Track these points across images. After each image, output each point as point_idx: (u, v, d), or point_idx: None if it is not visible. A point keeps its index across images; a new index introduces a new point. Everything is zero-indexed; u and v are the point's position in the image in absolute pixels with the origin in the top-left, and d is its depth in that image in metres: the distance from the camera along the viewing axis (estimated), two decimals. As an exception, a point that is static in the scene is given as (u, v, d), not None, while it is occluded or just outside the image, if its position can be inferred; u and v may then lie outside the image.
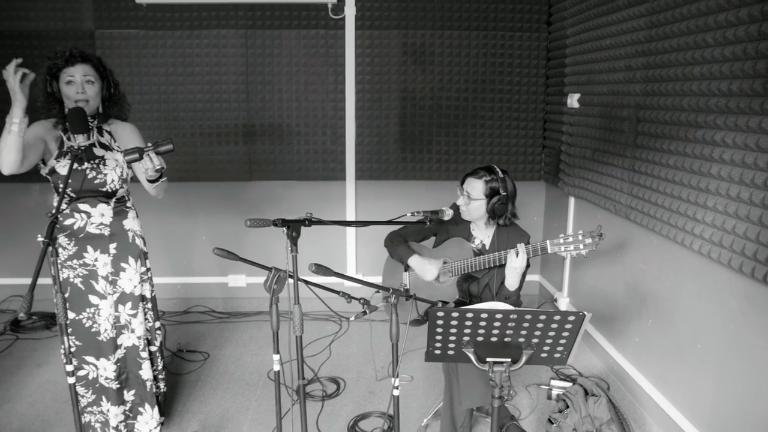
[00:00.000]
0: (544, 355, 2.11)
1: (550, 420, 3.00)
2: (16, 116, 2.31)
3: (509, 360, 2.03)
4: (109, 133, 2.71)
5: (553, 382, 3.34)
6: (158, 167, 2.29)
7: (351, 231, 4.52)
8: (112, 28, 4.25)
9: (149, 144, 2.27)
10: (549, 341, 2.06)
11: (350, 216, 4.49)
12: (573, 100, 3.84)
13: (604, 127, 3.44)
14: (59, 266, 2.56)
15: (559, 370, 3.60)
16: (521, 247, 2.55)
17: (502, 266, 2.65)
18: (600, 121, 3.49)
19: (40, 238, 2.12)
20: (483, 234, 2.83)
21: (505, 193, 2.69)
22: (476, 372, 2.51)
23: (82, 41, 4.23)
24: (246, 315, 4.60)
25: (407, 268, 2.90)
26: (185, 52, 4.28)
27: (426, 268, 2.78)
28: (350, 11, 4.22)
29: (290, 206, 4.44)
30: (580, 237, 2.49)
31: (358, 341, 4.13)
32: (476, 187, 2.69)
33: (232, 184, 4.49)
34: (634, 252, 3.23)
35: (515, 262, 2.56)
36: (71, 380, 2.16)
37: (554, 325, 2.00)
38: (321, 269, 1.99)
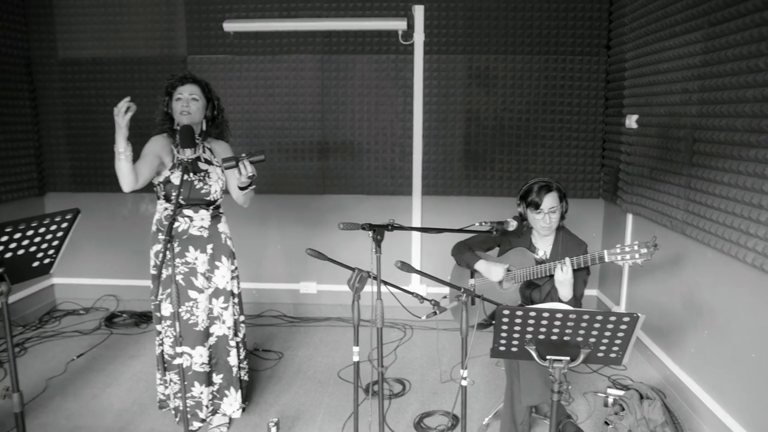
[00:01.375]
0: (600, 354, 2.28)
1: (606, 422, 3.15)
2: (121, 146, 2.72)
3: (568, 358, 2.22)
4: (210, 150, 3.08)
5: (609, 390, 3.48)
6: (250, 174, 2.64)
7: (416, 244, 4.79)
8: (202, 54, 4.69)
9: (243, 154, 2.62)
10: (605, 341, 2.22)
11: (415, 231, 4.75)
12: (631, 121, 4.00)
13: (661, 146, 3.60)
14: (164, 264, 2.91)
15: (615, 380, 3.74)
16: (567, 260, 2.76)
17: None
18: (657, 141, 3.66)
19: (161, 236, 2.46)
20: (545, 243, 3.05)
21: (565, 193, 2.98)
22: (536, 371, 2.72)
23: (176, 66, 4.69)
24: (315, 320, 4.91)
25: (473, 273, 3.14)
26: (267, 75, 4.67)
27: (492, 270, 3.01)
28: (419, 37, 4.52)
29: (359, 218, 4.64)
30: (636, 247, 2.68)
31: (421, 347, 4.36)
32: (555, 202, 2.93)
33: (305, 197, 4.83)
34: (690, 266, 3.37)
35: (560, 276, 2.77)
36: (179, 360, 2.48)
37: (610, 326, 2.16)
38: (406, 266, 2.26)
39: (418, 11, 4.48)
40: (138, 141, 2.83)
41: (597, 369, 3.91)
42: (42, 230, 2.22)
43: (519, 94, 4.57)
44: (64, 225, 2.30)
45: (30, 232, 2.18)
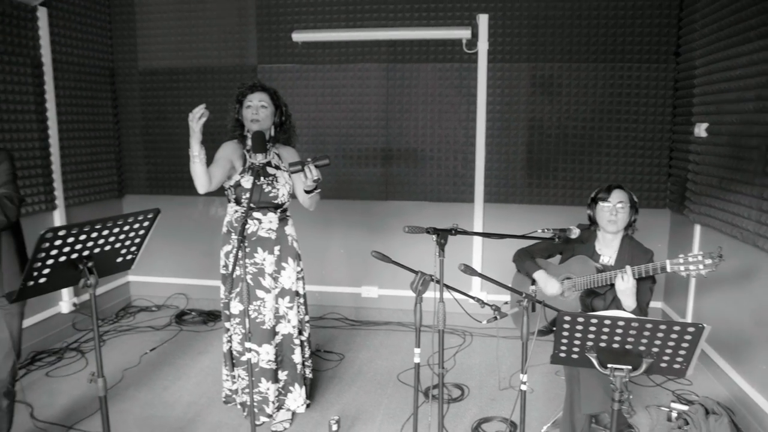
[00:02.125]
0: (663, 365, 2.24)
1: (669, 436, 3.10)
2: (195, 150, 2.87)
3: (630, 367, 2.19)
4: (278, 155, 3.22)
5: (674, 405, 3.41)
6: (315, 178, 2.74)
7: (478, 251, 4.81)
8: (271, 63, 4.87)
9: (309, 159, 2.73)
10: (668, 351, 2.18)
11: (479, 237, 4.78)
12: (701, 129, 3.92)
13: (732, 155, 3.51)
14: (235, 264, 3.06)
15: (680, 394, 3.66)
16: (628, 269, 2.74)
17: None
18: (728, 149, 3.57)
19: (231, 237, 2.59)
20: (609, 249, 3.03)
21: (637, 200, 2.99)
22: (597, 379, 2.70)
23: (247, 74, 4.88)
24: (376, 324, 4.99)
25: (533, 282, 3.15)
26: (333, 84, 4.81)
27: (549, 284, 3.02)
28: (483, 46, 4.56)
29: (422, 224, 4.77)
30: (700, 257, 2.63)
31: (481, 353, 4.38)
32: (624, 198, 2.96)
33: (369, 203, 4.93)
34: (762, 279, 3.27)
35: (621, 285, 2.75)
36: (248, 355, 2.60)
37: (674, 336, 2.12)
38: (469, 269, 2.31)
39: (483, 20, 4.52)
40: (210, 146, 2.98)
41: (661, 383, 3.83)
42: (126, 228, 2.38)
43: (583, 103, 4.53)
44: (146, 224, 2.45)
45: (116, 230, 2.34)
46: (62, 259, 2.21)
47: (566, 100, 4.56)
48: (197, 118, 2.79)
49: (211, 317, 5.07)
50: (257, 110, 3.07)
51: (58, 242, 2.14)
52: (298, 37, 4.69)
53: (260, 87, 3.13)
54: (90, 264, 2.31)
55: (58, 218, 4.53)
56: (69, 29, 4.61)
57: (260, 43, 4.87)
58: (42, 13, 4.30)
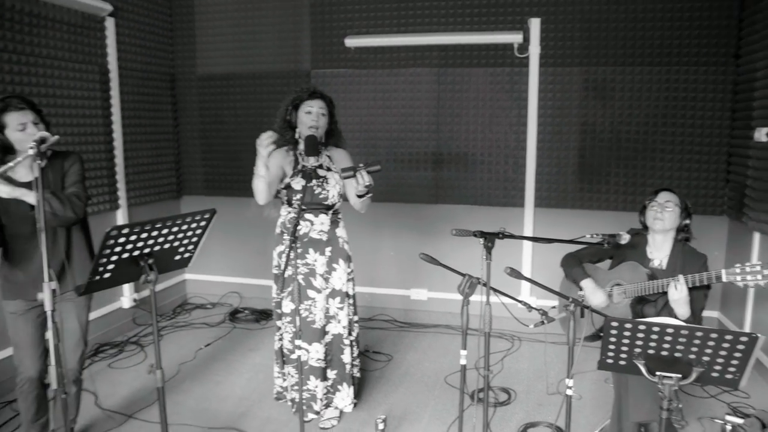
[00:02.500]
0: (715, 374, 2.19)
1: (722, 448, 3.02)
2: (262, 171, 3.03)
3: (679, 375, 2.15)
4: (329, 157, 3.30)
5: (728, 417, 3.32)
6: (367, 183, 2.79)
7: (528, 255, 4.78)
8: (325, 68, 4.98)
9: (361, 164, 2.79)
10: (720, 361, 2.12)
11: (528, 241, 4.76)
12: (762, 134, 3.80)
13: (794, 161, 3.40)
14: (287, 264, 3.15)
15: (735, 407, 3.55)
16: (681, 278, 2.69)
17: None
18: (790, 155, 3.46)
19: (286, 237, 2.68)
20: (660, 253, 2.99)
21: (690, 205, 2.96)
22: (646, 387, 2.66)
23: (300, 79, 5.00)
24: (424, 326, 5.02)
25: (581, 288, 3.12)
26: (384, 88, 4.87)
27: (595, 294, 2.99)
28: (534, 50, 4.54)
29: (471, 228, 4.78)
30: (758, 267, 2.56)
31: (529, 358, 4.35)
32: (672, 198, 2.94)
33: (419, 206, 4.97)
34: (825, 289, 3.15)
35: (674, 294, 2.70)
36: (298, 353, 2.68)
37: (725, 345, 2.07)
38: (515, 272, 2.33)
39: (534, 24, 4.50)
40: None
41: (716, 394, 3.73)
42: (184, 227, 2.49)
43: (637, 107, 4.46)
44: (203, 223, 2.56)
45: (175, 229, 2.45)
46: (125, 255, 2.34)
47: (620, 104, 4.49)
48: (265, 145, 2.90)
49: (264, 316, 5.21)
50: (318, 117, 3.15)
51: (121, 240, 2.26)
52: (351, 42, 4.78)
53: (319, 94, 3.21)
54: (150, 261, 2.43)
55: (121, 217, 4.75)
56: (134, 38, 4.83)
57: (314, 48, 4.98)
58: (110, 23, 4.52)
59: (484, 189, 4.80)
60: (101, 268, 2.31)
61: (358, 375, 3.53)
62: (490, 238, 2.39)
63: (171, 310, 5.41)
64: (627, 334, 2.17)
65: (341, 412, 3.47)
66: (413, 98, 4.83)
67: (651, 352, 2.19)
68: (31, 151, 2.33)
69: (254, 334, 4.87)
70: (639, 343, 2.18)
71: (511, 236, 2.42)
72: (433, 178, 4.88)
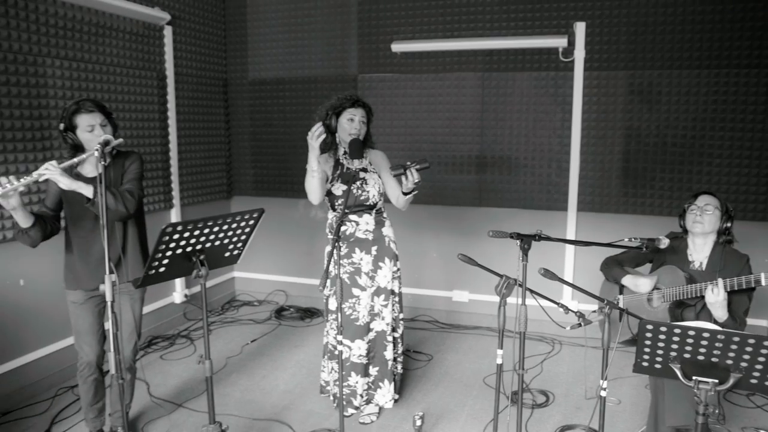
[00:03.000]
0: (753, 381, 2.16)
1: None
2: (314, 165, 3.11)
3: (716, 381, 2.15)
4: (367, 159, 3.40)
5: (773, 427, 3.27)
6: (416, 180, 2.90)
7: (570, 259, 4.77)
8: (371, 73, 5.09)
9: (409, 162, 2.90)
10: (759, 367, 2.10)
11: (570, 245, 4.76)
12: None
13: None
14: (333, 263, 3.26)
15: (783, 417, 3.49)
16: (720, 281, 2.68)
17: None
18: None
19: (330, 236, 2.80)
20: (700, 255, 2.98)
21: (732, 209, 2.96)
22: (682, 391, 2.66)
23: (347, 84, 5.14)
24: (466, 328, 5.08)
25: (622, 290, 3.14)
26: (429, 92, 4.95)
27: (639, 282, 3.02)
28: (580, 54, 4.54)
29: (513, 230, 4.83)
30: (802, 272, 2.54)
31: (569, 362, 4.36)
32: (712, 201, 2.95)
33: (462, 209, 5.02)
34: None
35: (711, 297, 2.70)
36: (340, 348, 2.79)
37: (764, 351, 2.05)
38: (548, 273, 2.38)
39: (580, 28, 4.51)
40: (303, 153, 3.23)
41: (762, 404, 3.67)
42: (234, 225, 2.63)
43: (684, 111, 4.41)
44: (251, 222, 2.70)
45: (225, 227, 2.60)
46: (179, 251, 2.49)
47: (666, 108, 4.45)
48: (316, 136, 3.02)
49: (308, 314, 5.35)
50: (360, 126, 3.26)
51: (176, 236, 2.42)
52: (397, 47, 4.88)
53: (361, 103, 3.32)
54: (202, 257, 2.58)
55: (174, 216, 4.97)
56: (189, 45, 5.06)
57: (361, 53, 5.10)
58: (168, 32, 4.75)
59: (527, 192, 4.83)
60: (156, 263, 2.47)
61: (400, 371, 3.62)
62: (526, 240, 2.44)
63: (220, 306, 5.61)
64: (662, 337, 2.18)
65: (380, 408, 3.56)
66: (458, 102, 4.90)
67: (687, 356, 2.19)
68: (96, 153, 2.51)
69: (299, 331, 5.01)
70: (674, 346, 2.18)
71: (548, 238, 2.47)
72: (476, 181, 4.93)
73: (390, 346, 3.41)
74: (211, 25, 5.32)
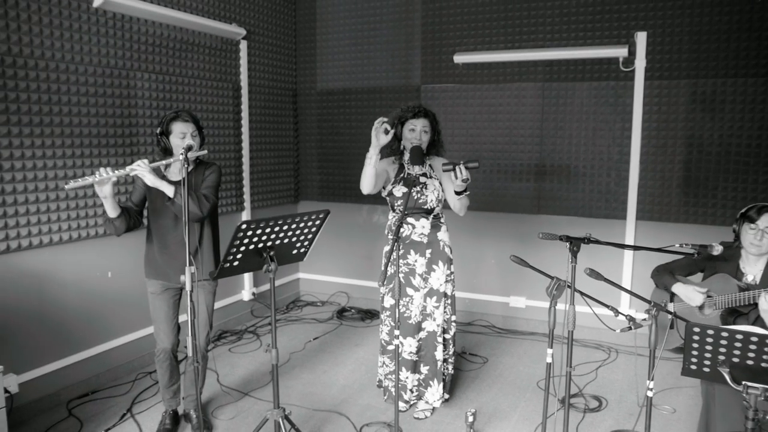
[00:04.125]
0: None
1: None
2: (373, 155, 3.28)
3: (766, 386, 2.16)
4: (430, 166, 3.57)
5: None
6: (464, 178, 3.06)
7: (628, 266, 4.79)
8: (434, 83, 5.27)
9: (461, 161, 3.06)
10: None
11: (629, 253, 4.78)
12: None
13: None
14: (390, 263, 3.45)
15: None
16: None
17: None
18: None
19: (389, 236, 2.98)
20: (754, 269, 2.98)
21: None
22: (734, 397, 2.68)
23: (410, 94, 5.33)
24: (522, 333, 5.15)
25: (673, 298, 3.17)
26: (490, 102, 5.08)
27: (690, 295, 3.02)
28: (640, 63, 4.57)
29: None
30: None
31: (624, 369, 4.37)
32: None
33: (520, 216, 5.12)
34: None
35: (765, 305, 2.70)
36: (396, 342, 2.96)
37: None
38: (594, 273, 2.48)
39: (641, 38, 4.54)
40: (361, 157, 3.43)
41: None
42: (302, 225, 2.85)
43: (749, 119, 4.37)
44: (318, 222, 2.91)
45: (294, 226, 2.82)
46: (251, 247, 2.73)
47: (729, 117, 4.42)
48: (378, 126, 3.21)
49: (369, 315, 5.55)
50: (420, 135, 3.44)
51: (249, 233, 2.66)
52: (459, 59, 5.04)
53: (424, 113, 3.49)
54: (272, 253, 2.81)
55: (245, 218, 5.28)
56: (262, 57, 5.38)
57: (424, 65, 5.29)
58: (243, 46, 5.09)
59: (586, 201, 4.88)
60: (231, 257, 2.71)
61: (451, 372, 3.75)
62: (575, 243, 2.55)
63: (284, 305, 5.89)
64: (709, 340, 2.21)
65: (433, 407, 3.70)
66: (518, 112, 5.00)
67: (735, 360, 2.22)
68: (180, 157, 2.80)
69: (360, 331, 5.22)
70: (722, 350, 2.21)
71: (597, 241, 2.56)
72: (535, 189, 5.02)
73: (440, 347, 3.55)
74: (282, 38, 5.63)
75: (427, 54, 5.27)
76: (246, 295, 5.39)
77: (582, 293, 2.66)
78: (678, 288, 3.09)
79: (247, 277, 5.39)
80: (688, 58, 4.48)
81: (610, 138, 4.75)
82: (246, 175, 5.26)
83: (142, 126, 4.17)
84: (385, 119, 3.25)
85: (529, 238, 5.06)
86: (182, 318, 3.40)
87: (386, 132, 3.22)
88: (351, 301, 5.90)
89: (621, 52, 4.55)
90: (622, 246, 2.71)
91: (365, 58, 5.53)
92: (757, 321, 2.91)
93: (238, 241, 2.66)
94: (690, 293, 3.04)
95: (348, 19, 5.56)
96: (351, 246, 5.81)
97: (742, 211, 3.03)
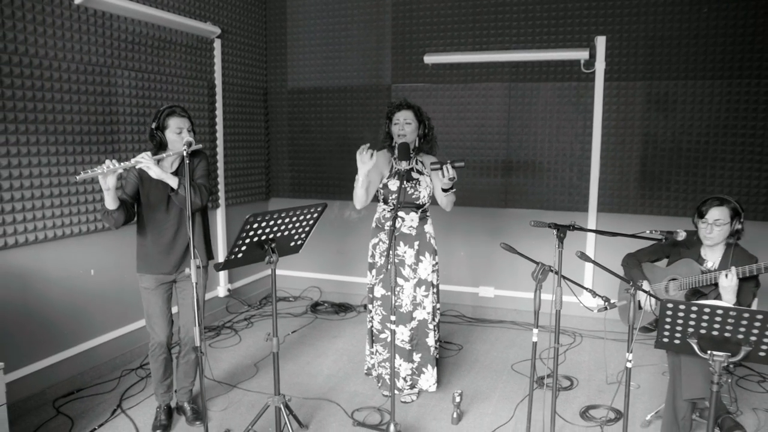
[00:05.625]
0: (762, 354, 2.44)
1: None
2: (361, 177, 3.46)
3: (729, 353, 2.45)
4: (421, 162, 3.75)
5: (782, 407, 3.56)
6: (451, 176, 3.26)
7: (590, 253, 5.10)
8: (404, 83, 5.46)
9: (448, 160, 3.26)
10: (766, 340, 2.45)
11: (590, 242, 5.08)
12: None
13: None
14: (379, 254, 3.62)
15: (791, 400, 3.79)
16: (733, 269, 3.00)
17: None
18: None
19: (381, 234, 3.15)
20: (713, 256, 3.30)
21: (743, 213, 3.19)
22: (698, 367, 2.97)
23: (381, 93, 5.51)
24: (491, 322, 5.40)
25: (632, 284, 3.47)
26: (459, 101, 5.31)
27: (656, 290, 3.34)
28: (600, 66, 4.89)
29: (538, 231, 5.13)
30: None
31: (589, 352, 4.67)
32: (721, 216, 3.17)
33: (489, 210, 5.37)
34: None
35: (725, 282, 3.03)
36: (393, 326, 3.12)
37: None
38: (584, 256, 2.72)
39: (600, 41, 4.85)
40: (350, 157, 3.57)
41: (771, 388, 3.98)
42: (301, 217, 2.98)
43: (698, 118, 4.74)
44: (315, 215, 3.05)
45: (294, 218, 2.95)
46: (255, 239, 2.85)
47: (681, 116, 4.78)
48: (362, 157, 3.39)
49: (342, 308, 5.70)
50: (403, 127, 3.62)
51: (255, 225, 2.77)
52: (429, 59, 5.24)
53: (405, 105, 3.67)
54: (273, 245, 2.93)
55: (220, 216, 5.34)
56: (235, 56, 5.45)
57: (394, 64, 5.48)
58: (217, 44, 5.14)
59: (551, 194, 5.17)
60: (237, 249, 2.82)
61: (437, 356, 3.94)
62: (562, 230, 2.79)
63: (257, 301, 5.96)
64: (681, 315, 2.46)
65: (419, 390, 3.88)
66: (486, 110, 5.25)
67: (703, 332, 2.48)
68: (184, 152, 2.89)
69: (336, 324, 5.36)
70: (692, 323, 2.47)
71: (581, 229, 2.81)
72: (502, 184, 5.27)
73: (432, 333, 3.75)
74: (253, 37, 5.71)
75: (397, 54, 5.46)
76: (222, 291, 5.45)
77: (565, 278, 2.89)
78: (647, 286, 3.38)
79: (222, 274, 5.44)
80: (644, 61, 4.82)
81: (573, 135, 5.05)
82: (221, 172, 5.32)
83: (122, 123, 4.20)
84: (367, 145, 3.42)
85: (498, 230, 5.31)
86: (173, 310, 3.49)
87: (371, 156, 3.39)
88: (324, 295, 6.02)
89: (582, 54, 4.85)
90: (602, 233, 2.96)
91: (336, 58, 5.67)
92: (716, 300, 3.22)
93: (244, 234, 2.77)
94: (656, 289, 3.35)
95: (319, 19, 5.69)
96: (323, 242, 5.93)
97: (697, 206, 3.32)
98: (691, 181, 4.81)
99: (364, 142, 3.75)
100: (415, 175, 3.67)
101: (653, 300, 3.35)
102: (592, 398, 3.89)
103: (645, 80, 4.84)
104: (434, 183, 3.68)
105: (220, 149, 5.28)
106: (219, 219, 5.34)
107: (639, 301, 3.53)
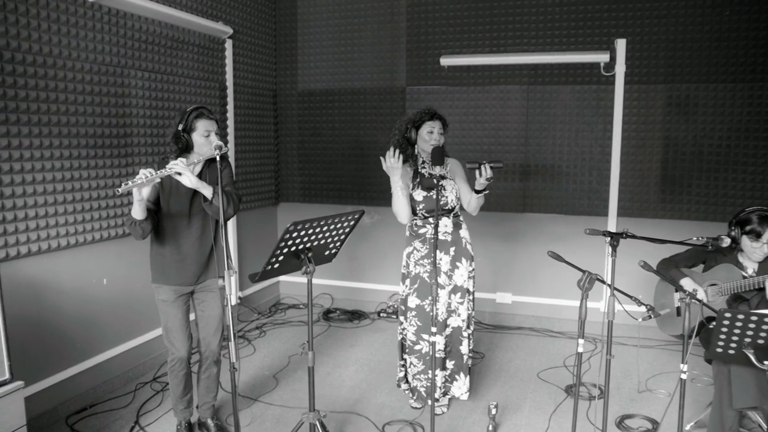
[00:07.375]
0: None
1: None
2: (398, 181, 3.37)
3: None
4: (446, 166, 3.65)
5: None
6: (488, 176, 3.16)
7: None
8: (419, 85, 5.36)
9: (485, 160, 3.17)
10: None
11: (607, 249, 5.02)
12: None
13: None
14: (414, 263, 3.52)
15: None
16: None
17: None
18: None
19: (416, 242, 3.04)
20: (753, 263, 3.24)
21: None
22: (750, 375, 2.90)
23: (395, 95, 5.40)
24: (509, 328, 5.31)
25: (677, 290, 3.39)
26: (476, 104, 5.22)
27: (696, 289, 3.26)
28: (620, 69, 4.82)
29: (556, 236, 5.08)
30: None
31: (616, 359, 4.58)
32: None
33: (507, 214, 5.28)
34: None
35: None
36: (436, 338, 3.00)
37: None
38: (647, 266, 2.63)
39: (620, 44, 4.79)
40: (369, 161, 3.42)
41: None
42: (339, 225, 2.86)
43: (720, 122, 4.69)
44: (352, 222, 2.93)
45: (332, 226, 2.82)
46: (293, 248, 2.72)
47: (702, 119, 4.73)
48: (395, 159, 3.30)
49: (356, 316, 5.57)
50: (438, 137, 3.51)
51: (295, 234, 2.64)
52: (445, 61, 5.14)
53: (438, 115, 3.57)
54: (310, 254, 2.80)
55: (232, 222, 5.17)
56: (245, 57, 5.31)
57: (409, 66, 5.37)
58: (228, 45, 5.00)
59: (569, 199, 5.09)
60: (274, 259, 2.69)
61: (470, 365, 3.83)
62: (615, 238, 2.69)
63: (267, 308, 5.82)
64: (738, 324, 2.41)
65: (450, 399, 3.77)
66: (503, 114, 5.16)
67: (761, 342, 2.43)
68: (217, 156, 2.76)
69: (350, 332, 5.23)
70: (749, 333, 2.41)
71: (634, 236, 2.71)
72: (520, 188, 5.19)
73: (465, 341, 3.64)
74: (263, 38, 5.57)
75: (412, 56, 5.35)
76: (233, 299, 5.28)
77: (614, 288, 2.80)
78: (685, 282, 3.30)
79: (232, 281, 5.27)
80: (665, 64, 4.76)
81: (592, 139, 4.98)
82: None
83: (135, 126, 4.04)
84: (392, 149, 3.34)
85: (516, 235, 5.23)
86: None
87: (399, 158, 3.32)
88: (335, 302, 5.89)
89: (602, 57, 4.78)
90: (653, 240, 2.87)
91: (348, 60, 5.55)
92: (759, 305, 3.15)
93: (283, 243, 2.64)
94: (696, 289, 3.26)
95: (330, 20, 5.57)
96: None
97: (738, 219, 3.24)
98: (713, 185, 4.76)
99: (377, 146, 3.65)
100: (442, 181, 3.56)
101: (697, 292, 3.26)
102: (625, 407, 3.81)
103: (666, 83, 4.78)
104: (460, 186, 3.57)
105: (231, 153, 5.14)
106: (228, 225, 5.17)
107: (677, 308, 3.47)
